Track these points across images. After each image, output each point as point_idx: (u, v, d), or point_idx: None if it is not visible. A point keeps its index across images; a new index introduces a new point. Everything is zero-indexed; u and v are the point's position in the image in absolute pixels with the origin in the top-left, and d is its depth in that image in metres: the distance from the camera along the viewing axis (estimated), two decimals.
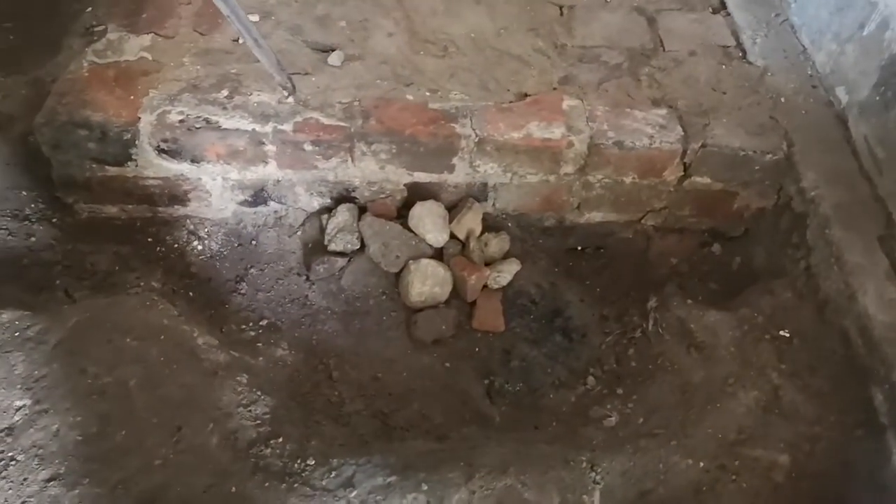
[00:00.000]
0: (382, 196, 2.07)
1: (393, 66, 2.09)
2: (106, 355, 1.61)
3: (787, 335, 1.80)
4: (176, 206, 2.07)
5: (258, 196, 2.06)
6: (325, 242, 2.05)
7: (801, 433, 1.63)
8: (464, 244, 2.09)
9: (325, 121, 1.93)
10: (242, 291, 2.02)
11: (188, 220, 2.09)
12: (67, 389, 1.54)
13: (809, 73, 2.19)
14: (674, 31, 2.30)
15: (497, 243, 2.09)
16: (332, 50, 2.10)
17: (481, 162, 1.99)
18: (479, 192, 2.08)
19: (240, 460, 1.53)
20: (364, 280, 2.04)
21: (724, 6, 2.42)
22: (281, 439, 1.58)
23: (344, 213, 2.04)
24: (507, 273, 2.06)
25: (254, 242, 2.09)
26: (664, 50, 2.24)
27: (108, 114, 1.89)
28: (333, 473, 1.54)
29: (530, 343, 2.01)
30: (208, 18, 2.17)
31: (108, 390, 1.56)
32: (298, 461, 1.55)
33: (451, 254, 2.07)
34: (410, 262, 2.00)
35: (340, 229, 2.03)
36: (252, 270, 2.05)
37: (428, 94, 2.01)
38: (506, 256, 2.10)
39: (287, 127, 1.91)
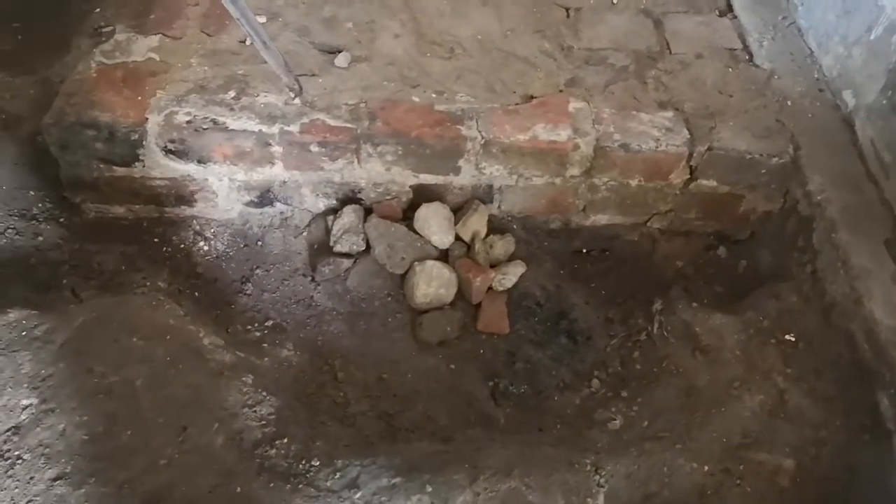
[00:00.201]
0: (388, 197, 2.07)
1: (399, 67, 2.09)
2: (112, 355, 1.62)
3: (793, 339, 1.79)
4: (182, 207, 2.08)
5: (264, 197, 2.07)
6: (331, 244, 2.05)
7: (806, 437, 1.63)
8: (469, 246, 2.09)
9: (332, 122, 1.93)
10: (248, 292, 2.03)
11: (194, 221, 2.10)
12: (74, 389, 1.55)
13: (816, 76, 2.18)
14: (680, 34, 2.30)
15: (502, 245, 2.09)
16: (339, 51, 2.11)
17: (487, 164, 1.99)
18: (484, 194, 2.08)
19: (245, 461, 1.53)
20: (369, 281, 2.04)
21: (730, 9, 2.42)
22: (286, 440, 1.58)
23: (350, 215, 2.05)
24: (512, 275, 2.06)
25: (260, 243, 2.10)
26: (671, 52, 2.24)
27: (116, 114, 1.90)
28: (338, 474, 1.54)
29: (535, 345, 2.01)
30: (216, 20, 2.17)
31: (115, 390, 1.56)
32: (303, 462, 1.55)
33: (456, 255, 2.07)
34: (416, 263, 2.00)
35: (346, 230, 2.03)
36: (258, 271, 2.06)
37: (434, 95, 2.02)
38: (511, 258, 2.11)
39: (294, 128, 1.91)
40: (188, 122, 1.90)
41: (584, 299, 2.10)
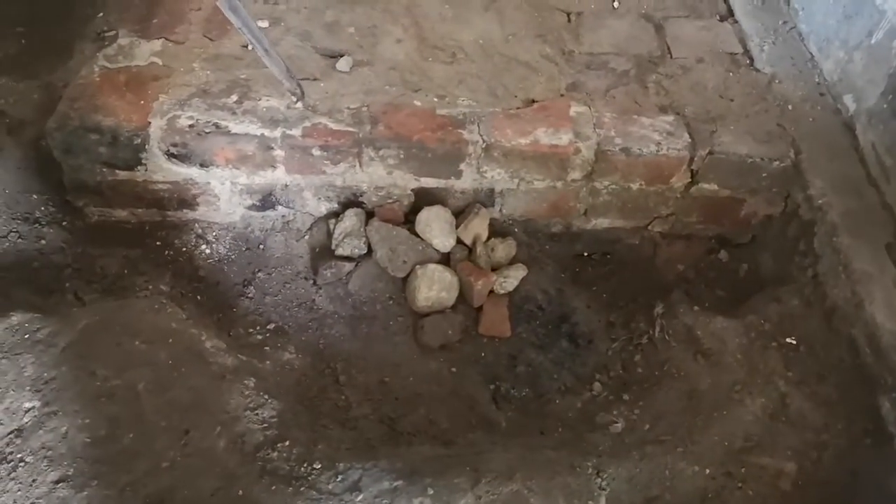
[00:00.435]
0: (390, 201, 2.08)
1: (401, 71, 2.10)
2: (115, 358, 1.63)
3: (795, 343, 1.80)
4: (185, 210, 2.08)
5: (266, 200, 2.08)
6: (333, 247, 2.05)
7: (808, 441, 1.63)
8: (470, 249, 2.09)
9: (334, 126, 1.94)
10: (250, 295, 2.03)
11: (197, 224, 2.10)
12: (76, 392, 1.55)
13: (817, 80, 2.19)
14: (681, 39, 2.31)
15: (504, 249, 2.09)
16: (341, 56, 2.11)
17: (488, 168, 1.99)
18: (486, 198, 2.09)
19: (247, 464, 1.53)
20: (371, 285, 2.04)
21: (731, 13, 2.43)
22: (288, 443, 1.58)
23: (351, 218, 2.05)
24: (513, 278, 2.06)
25: (261, 246, 2.10)
26: (672, 57, 2.24)
27: (119, 118, 1.91)
28: (340, 477, 1.54)
29: (537, 349, 2.01)
30: (218, 24, 2.18)
31: (117, 393, 1.57)
32: (305, 465, 1.56)
33: (457, 259, 2.07)
34: (417, 267, 2.01)
35: (348, 234, 2.04)
36: (260, 274, 2.06)
37: (436, 99, 2.02)
38: (512, 262, 2.11)
39: (296, 132, 1.92)
40: (191, 126, 1.91)
41: (585, 303, 2.10)
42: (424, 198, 2.07)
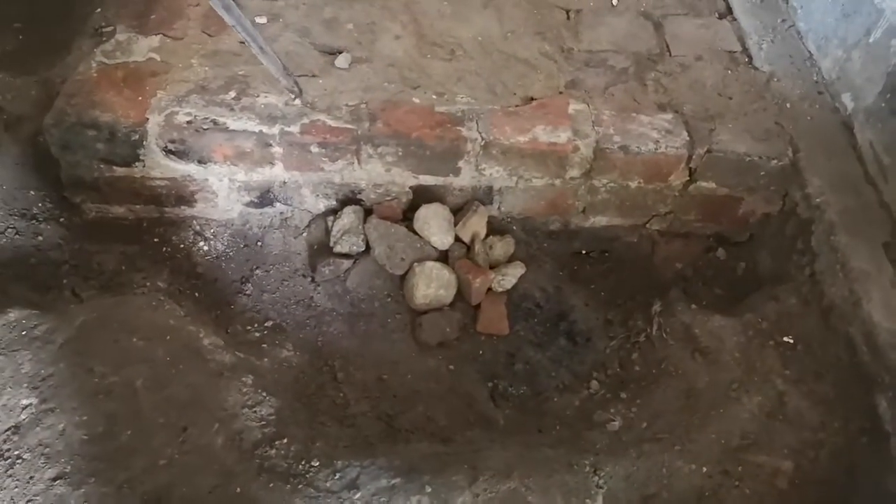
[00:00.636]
0: (388, 198, 2.07)
1: (400, 68, 2.10)
2: (112, 355, 1.62)
3: (792, 341, 1.80)
4: (182, 207, 2.08)
5: (264, 197, 2.07)
6: (331, 244, 2.05)
7: (805, 440, 1.63)
8: (469, 247, 2.09)
9: (332, 123, 1.93)
10: (248, 292, 2.03)
11: (194, 221, 2.10)
12: (74, 389, 1.55)
13: (815, 79, 2.19)
14: (680, 37, 2.30)
15: (502, 246, 2.09)
16: (340, 52, 2.11)
17: (487, 165, 1.99)
18: (484, 196, 2.09)
19: (245, 461, 1.53)
20: (369, 282, 2.04)
21: (730, 11, 2.42)
22: (286, 440, 1.58)
23: (350, 215, 2.05)
24: (511, 276, 2.06)
25: (259, 243, 2.10)
26: (670, 55, 2.24)
27: (117, 114, 1.90)
28: (338, 475, 1.54)
29: (534, 346, 2.01)
30: (216, 20, 2.16)
31: (115, 390, 1.57)
32: (303, 462, 1.56)
33: (456, 257, 2.07)
34: (415, 264, 2.01)
35: (346, 231, 2.04)
36: (258, 271, 2.06)
37: (435, 97, 2.02)
38: (511, 260, 2.11)
39: (294, 129, 1.92)
40: (188, 122, 1.90)
41: (583, 301, 2.10)
42: (423, 195, 2.07)
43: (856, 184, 1.93)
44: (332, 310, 2.02)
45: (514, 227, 2.16)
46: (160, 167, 1.97)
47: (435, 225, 2.04)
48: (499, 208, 2.12)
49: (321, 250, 2.08)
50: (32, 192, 2.01)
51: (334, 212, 2.09)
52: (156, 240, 2.07)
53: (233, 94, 1.96)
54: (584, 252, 2.21)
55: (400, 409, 1.82)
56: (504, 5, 2.35)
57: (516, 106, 2.02)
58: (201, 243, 2.08)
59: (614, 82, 2.13)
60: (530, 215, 2.14)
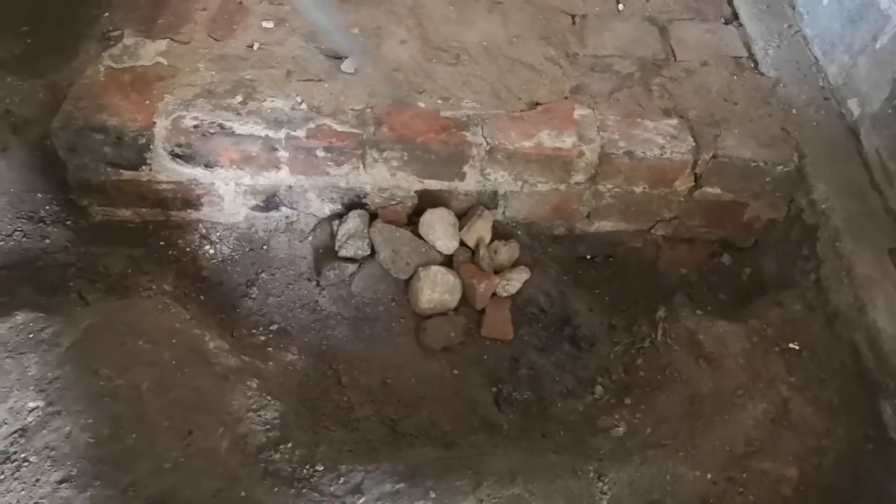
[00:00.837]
0: (393, 203, 2.08)
1: (405, 73, 2.10)
2: (118, 358, 1.63)
3: (797, 347, 1.80)
4: (189, 211, 2.09)
5: (270, 201, 2.08)
6: (336, 248, 2.06)
7: (809, 446, 1.63)
8: (473, 252, 2.10)
9: (338, 127, 1.94)
10: (253, 296, 2.04)
11: (200, 225, 2.11)
12: (80, 391, 1.56)
13: (821, 84, 2.19)
14: (686, 42, 2.30)
15: (507, 251, 2.09)
16: (346, 57, 2.11)
17: (492, 170, 2.00)
18: (489, 200, 2.09)
19: (249, 465, 1.54)
20: (374, 286, 2.05)
21: (736, 17, 2.42)
22: (290, 444, 1.59)
23: (355, 220, 2.05)
24: (516, 281, 2.06)
25: (265, 247, 2.11)
26: (676, 60, 2.24)
27: (124, 118, 1.91)
28: (342, 479, 1.55)
29: (539, 351, 2.01)
30: (223, 24, 2.19)
31: (120, 393, 1.57)
32: (307, 466, 1.56)
33: (460, 261, 2.07)
34: (420, 268, 2.01)
35: (351, 235, 2.04)
36: (263, 275, 2.07)
37: (440, 101, 2.03)
38: (515, 264, 2.11)
39: (300, 133, 1.92)
40: (195, 126, 1.91)
41: (587, 306, 2.10)
42: (428, 200, 2.07)
43: (861, 190, 1.93)
44: (336, 314, 2.02)
45: (519, 232, 2.16)
46: (167, 171, 1.98)
47: (440, 229, 2.04)
48: (504, 213, 2.12)
49: (326, 254, 2.08)
50: (40, 195, 2.02)
51: (339, 216, 2.10)
52: (162, 243, 2.07)
53: (239, 98, 1.97)
54: (588, 257, 2.21)
55: (404, 413, 1.82)
56: (509, 10, 2.35)
57: (521, 111, 2.02)
58: (207, 247, 2.09)
59: (619, 87, 2.13)
60: (535, 220, 2.14)
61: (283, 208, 2.10)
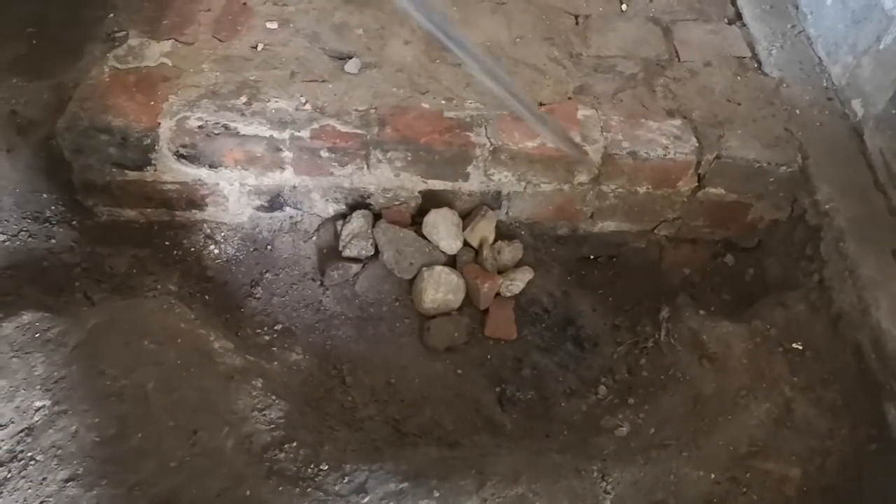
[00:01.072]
0: (397, 203, 2.09)
1: (409, 73, 2.11)
2: (124, 358, 1.64)
3: (800, 348, 1.80)
4: (193, 211, 2.10)
5: (274, 201, 2.09)
6: (340, 248, 2.06)
7: (813, 447, 1.63)
8: (477, 252, 2.10)
9: (342, 128, 1.95)
10: (258, 296, 2.04)
11: (205, 225, 2.12)
12: (86, 391, 1.57)
13: (825, 85, 2.19)
14: (689, 42, 2.31)
15: (510, 251, 2.10)
16: (350, 57, 2.12)
17: (496, 170, 2.00)
18: (492, 201, 2.09)
19: (254, 464, 1.55)
20: (378, 286, 2.05)
21: (739, 17, 2.42)
22: (295, 444, 1.59)
23: (358, 220, 2.06)
24: (519, 281, 2.07)
25: (269, 247, 2.11)
26: (679, 60, 2.25)
27: (129, 119, 1.92)
28: (346, 479, 1.55)
29: (542, 351, 2.01)
30: (227, 25, 2.19)
31: (126, 392, 1.58)
32: (312, 466, 1.57)
33: (464, 261, 2.08)
34: (424, 269, 2.01)
35: (355, 235, 2.05)
36: (267, 275, 2.07)
37: (444, 102, 2.03)
38: (519, 265, 2.12)
39: (304, 134, 1.93)
40: (200, 127, 1.92)
41: (591, 306, 2.11)
42: (431, 200, 2.08)
43: (865, 191, 1.92)
44: (340, 313, 2.03)
45: (523, 232, 2.17)
46: (171, 171, 1.99)
47: (443, 229, 2.05)
48: (507, 213, 2.13)
49: (330, 254, 2.09)
50: (45, 196, 2.03)
51: (343, 216, 2.11)
52: (166, 243, 2.08)
53: (244, 99, 1.97)
54: (591, 257, 2.21)
55: (408, 413, 1.83)
56: (513, 11, 2.36)
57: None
58: (211, 247, 2.10)
59: (623, 88, 2.14)
60: (538, 220, 2.15)
61: (288, 208, 2.11)
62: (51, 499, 1.43)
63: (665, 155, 1.97)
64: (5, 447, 1.47)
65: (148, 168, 1.98)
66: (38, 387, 1.56)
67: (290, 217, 2.12)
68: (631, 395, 1.87)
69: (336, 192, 2.07)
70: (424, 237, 2.06)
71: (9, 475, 1.44)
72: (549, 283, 2.12)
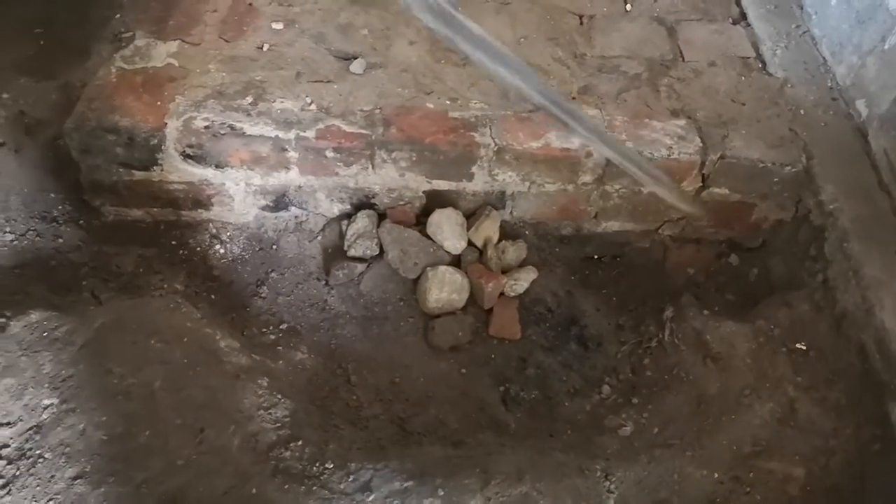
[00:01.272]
0: (402, 203, 2.09)
1: (414, 74, 2.11)
2: (131, 356, 1.65)
3: (804, 348, 1.80)
4: (199, 210, 2.11)
5: (280, 201, 2.10)
6: (345, 248, 2.07)
7: (816, 447, 1.64)
8: (481, 252, 2.11)
9: (347, 128, 1.95)
10: (263, 295, 2.06)
11: (211, 224, 2.13)
12: (94, 389, 1.58)
13: (829, 85, 2.19)
14: (693, 42, 2.31)
15: (514, 251, 2.11)
16: (355, 58, 2.13)
17: (500, 170, 2.01)
18: (497, 201, 2.10)
19: (260, 462, 1.56)
20: (382, 286, 2.06)
21: (744, 17, 2.42)
22: (300, 442, 1.61)
23: (363, 220, 2.07)
24: (523, 281, 2.07)
25: (275, 247, 2.12)
26: (684, 60, 2.25)
27: (136, 119, 1.93)
28: (351, 477, 1.56)
29: (546, 351, 2.02)
30: (233, 26, 2.20)
31: (133, 391, 1.59)
32: (317, 464, 1.58)
33: (468, 261, 2.09)
34: (428, 268, 2.02)
35: (360, 235, 2.06)
36: (273, 274, 2.09)
37: (448, 102, 2.04)
38: (523, 264, 2.12)
39: (309, 134, 1.94)
40: (206, 127, 1.93)
41: (595, 306, 2.11)
42: (436, 200, 2.09)
43: (869, 191, 1.93)
44: (345, 313, 2.04)
45: (527, 232, 2.17)
46: (178, 171, 2.00)
47: (448, 229, 2.05)
48: (511, 213, 2.13)
49: (335, 254, 2.10)
50: (52, 195, 2.04)
51: (348, 216, 2.12)
52: (173, 242, 2.09)
53: (249, 99, 1.98)
54: (595, 257, 2.22)
55: (412, 412, 1.84)
56: (517, 11, 2.36)
57: (529, 112, 2.03)
58: (217, 246, 2.11)
59: (627, 88, 2.14)
60: (543, 220, 2.15)
61: (293, 208, 2.12)
62: (59, 496, 1.44)
63: (669, 155, 1.97)
64: (14, 445, 1.48)
65: (154, 168, 1.99)
66: (46, 385, 1.57)
67: (296, 217, 2.14)
68: (634, 394, 1.88)
69: (341, 192, 2.08)
70: (429, 237, 2.07)
71: (17, 472, 1.46)
72: (553, 282, 2.12)
